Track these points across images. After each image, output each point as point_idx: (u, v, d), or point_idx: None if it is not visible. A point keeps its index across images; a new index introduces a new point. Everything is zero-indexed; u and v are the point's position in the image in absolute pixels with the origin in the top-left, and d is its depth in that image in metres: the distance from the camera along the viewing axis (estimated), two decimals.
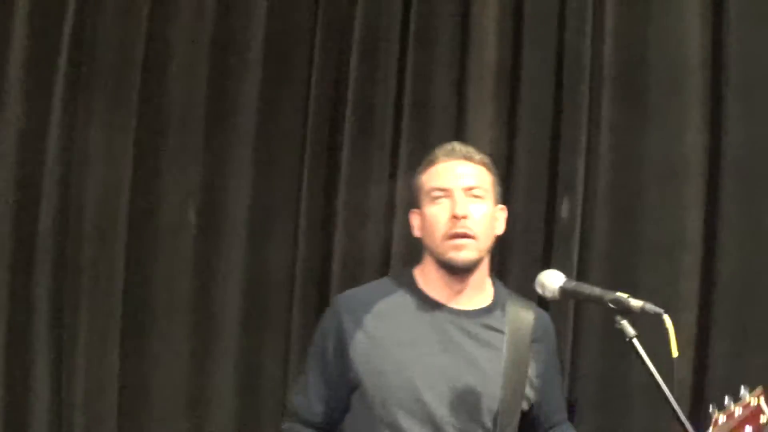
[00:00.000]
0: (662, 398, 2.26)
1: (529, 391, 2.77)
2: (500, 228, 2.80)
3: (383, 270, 3.49)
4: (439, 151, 2.80)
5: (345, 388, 2.76)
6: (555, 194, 3.42)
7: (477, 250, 2.71)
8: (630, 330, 2.34)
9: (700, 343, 3.23)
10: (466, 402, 2.69)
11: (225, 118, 3.84)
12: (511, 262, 3.43)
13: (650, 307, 2.34)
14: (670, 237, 3.28)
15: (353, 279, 3.39)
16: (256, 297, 3.80)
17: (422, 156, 2.85)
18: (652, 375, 2.28)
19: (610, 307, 2.38)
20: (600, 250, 3.35)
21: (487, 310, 2.79)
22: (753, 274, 3.20)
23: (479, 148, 2.85)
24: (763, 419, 2.24)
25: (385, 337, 2.72)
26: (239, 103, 3.83)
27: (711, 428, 2.26)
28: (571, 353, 3.32)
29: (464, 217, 2.67)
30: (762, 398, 2.25)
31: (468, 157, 2.77)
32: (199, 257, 3.84)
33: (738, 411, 2.25)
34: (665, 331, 2.26)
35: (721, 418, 2.26)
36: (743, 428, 2.24)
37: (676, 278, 3.26)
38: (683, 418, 2.26)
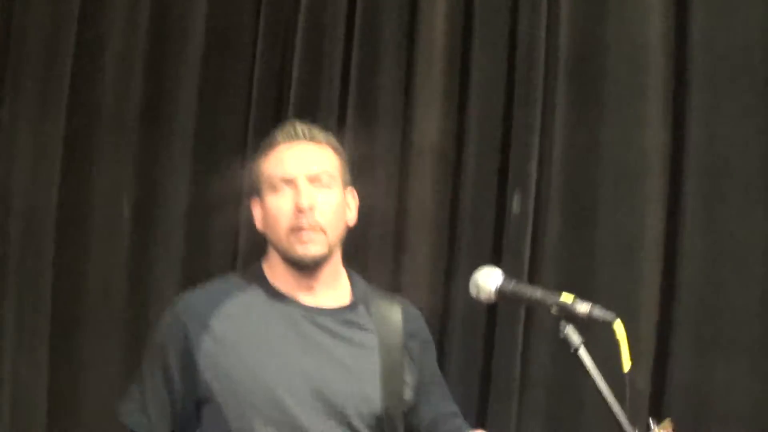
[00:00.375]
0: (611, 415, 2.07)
1: (408, 393, 2.55)
2: (352, 215, 2.59)
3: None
4: (279, 133, 2.55)
5: (193, 403, 2.48)
6: (506, 189, 3.22)
7: (326, 244, 2.47)
8: (575, 339, 2.13)
9: (660, 350, 3.07)
10: (333, 406, 2.44)
11: (162, 112, 3.68)
12: (457, 261, 3.25)
13: (599, 312, 2.13)
14: (629, 238, 3.10)
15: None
16: None
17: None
18: (599, 391, 2.08)
19: (552, 312, 2.17)
20: (553, 249, 3.16)
21: (349, 308, 2.56)
22: (717, 278, 3.03)
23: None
24: None
25: (237, 340, 2.46)
26: (177, 97, 3.66)
27: None
28: (520, 360, 3.14)
29: (310, 209, 2.44)
30: None
31: (311, 138, 2.54)
32: (134, 254, 3.68)
33: None
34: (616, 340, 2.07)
35: None
36: None
37: (635, 282, 3.09)
38: None
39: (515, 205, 3.17)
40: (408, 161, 3.30)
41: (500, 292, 2.26)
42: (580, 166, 3.16)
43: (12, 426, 3.67)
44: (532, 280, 3.10)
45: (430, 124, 3.29)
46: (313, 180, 2.47)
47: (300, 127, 2.54)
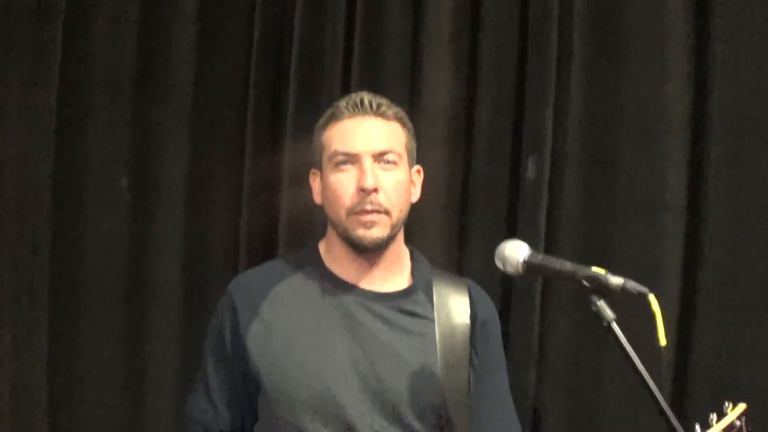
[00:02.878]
0: (645, 391, 1.92)
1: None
2: (417, 194, 2.40)
3: None
4: (344, 104, 2.35)
5: (252, 389, 2.33)
6: (520, 153, 3.02)
7: (389, 226, 2.28)
8: (609, 313, 1.95)
9: (684, 316, 2.90)
10: (385, 401, 2.26)
11: (158, 75, 3.44)
12: (470, 230, 3.05)
13: (633, 285, 1.95)
14: (650, 199, 2.92)
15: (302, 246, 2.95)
16: (198, 269, 3.44)
17: None
18: (634, 366, 1.92)
19: (584, 285, 1.99)
20: (571, 215, 2.98)
21: (405, 293, 2.36)
22: (742, 239, 2.85)
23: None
24: None
25: (285, 324, 2.30)
26: (173, 59, 3.42)
27: None
28: (538, 333, 2.97)
29: (374, 191, 2.24)
30: (745, 419, 2.15)
31: (380, 113, 2.33)
32: (133, 228, 3.47)
33: None
34: (650, 312, 1.90)
35: None
36: None
37: (657, 245, 2.91)
38: (670, 415, 1.93)
39: (530, 169, 2.99)
40: (417, 127, 3.06)
41: (528, 265, 2.09)
42: (599, 124, 2.98)
43: (12, 398, 3.49)
44: (549, 246, 2.95)
45: (439, 88, 3.09)
46: (379, 158, 2.28)
47: (368, 99, 2.34)
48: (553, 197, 2.98)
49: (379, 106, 2.32)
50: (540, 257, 2.08)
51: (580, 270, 1.99)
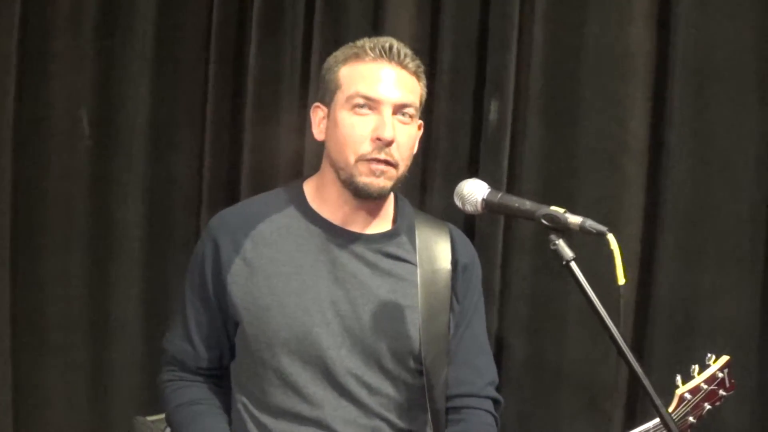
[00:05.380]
0: (604, 331, 1.85)
1: (453, 331, 2.30)
2: (415, 149, 2.30)
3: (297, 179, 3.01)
4: (370, 45, 2.21)
5: (231, 327, 2.27)
6: (482, 95, 2.94)
7: (395, 178, 2.20)
8: (567, 252, 1.89)
9: (645, 259, 2.86)
10: (364, 342, 2.20)
11: (120, 17, 3.37)
12: (433, 171, 3.00)
13: (591, 224, 1.89)
14: (612, 142, 2.86)
15: (265, 191, 2.86)
16: (160, 213, 3.40)
17: None
18: (593, 305, 1.86)
19: (543, 223, 1.93)
20: (533, 157, 2.92)
21: (388, 236, 2.29)
22: (704, 184, 2.80)
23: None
24: (722, 393, 2.22)
25: (266, 264, 2.22)
26: (135, 4, 3.35)
27: (674, 404, 2.19)
28: (500, 271, 2.93)
29: (390, 143, 2.15)
30: (727, 371, 2.21)
31: (404, 65, 2.20)
32: (95, 171, 3.41)
33: (703, 386, 2.20)
34: (609, 252, 1.83)
35: (687, 395, 2.18)
36: (703, 406, 2.21)
37: (619, 188, 2.86)
38: (628, 354, 1.84)
39: (492, 111, 2.91)
40: None
41: (487, 203, 2.03)
42: (561, 66, 2.90)
43: None
44: (512, 187, 2.91)
45: (402, 30, 2.98)
46: (398, 110, 2.18)
47: (396, 47, 2.21)
48: (516, 139, 2.92)
49: (405, 56, 2.21)
50: (499, 196, 2.02)
51: (540, 209, 1.93)
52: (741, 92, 2.75)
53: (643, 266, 2.84)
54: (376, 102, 2.16)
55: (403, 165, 2.20)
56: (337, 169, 2.21)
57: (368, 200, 2.22)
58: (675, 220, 2.80)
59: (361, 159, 2.16)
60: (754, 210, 2.75)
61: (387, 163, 2.16)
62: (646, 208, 2.84)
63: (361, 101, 2.17)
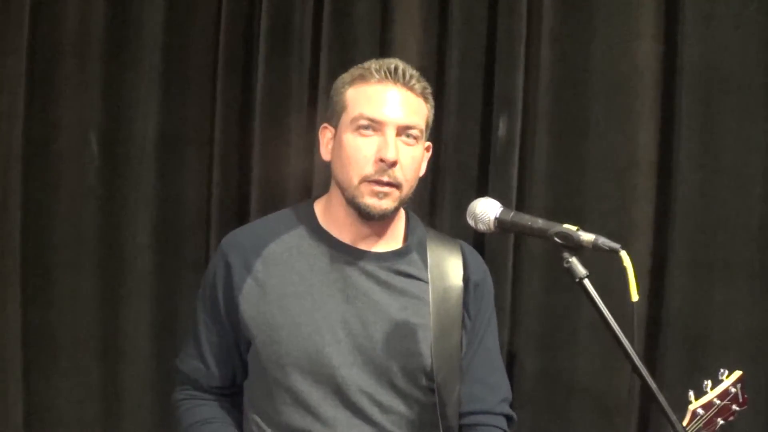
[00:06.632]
0: (618, 346, 1.87)
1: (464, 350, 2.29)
2: (423, 170, 2.30)
3: (305, 197, 3.06)
4: (376, 67, 2.21)
5: (243, 345, 2.27)
6: (491, 111, 2.94)
7: (398, 200, 2.20)
8: (580, 269, 1.90)
9: (655, 274, 2.86)
10: (375, 361, 2.20)
11: (128, 38, 3.34)
12: (442, 188, 3.00)
13: (605, 241, 1.89)
14: (621, 157, 2.87)
15: (274, 209, 2.86)
16: (170, 232, 3.37)
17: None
18: (606, 321, 1.87)
19: (555, 242, 1.93)
20: (542, 174, 2.93)
21: (399, 254, 2.28)
22: (713, 197, 2.82)
23: (407, 61, 2.31)
24: (735, 408, 2.20)
25: (278, 284, 2.22)
26: (143, 20, 3.32)
27: (687, 419, 2.15)
28: (511, 287, 2.93)
29: (393, 164, 2.15)
30: (740, 386, 2.19)
31: (409, 86, 2.20)
32: (104, 191, 3.38)
33: (716, 401, 2.17)
34: (622, 269, 1.84)
35: (700, 410, 2.15)
36: (716, 421, 2.18)
37: (629, 203, 2.87)
38: (645, 373, 1.86)
39: (501, 127, 2.92)
40: None
41: (500, 222, 2.03)
42: (569, 82, 2.91)
43: None
44: (521, 204, 2.91)
45: (410, 46, 3.00)
46: (401, 132, 2.19)
47: (401, 68, 2.22)
48: (524, 156, 2.92)
49: (411, 77, 2.21)
50: (511, 214, 2.02)
51: (552, 227, 1.94)
52: (748, 105, 2.76)
53: (654, 280, 2.84)
54: (379, 123, 2.17)
55: (407, 186, 2.20)
56: (342, 189, 2.22)
57: (372, 221, 2.22)
58: (685, 233, 2.80)
59: (365, 180, 2.17)
60: (764, 222, 2.75)
61: (390, 184, 2.16)
62: (656, 221, 2.85)
63: (365, 123, 2.17)
